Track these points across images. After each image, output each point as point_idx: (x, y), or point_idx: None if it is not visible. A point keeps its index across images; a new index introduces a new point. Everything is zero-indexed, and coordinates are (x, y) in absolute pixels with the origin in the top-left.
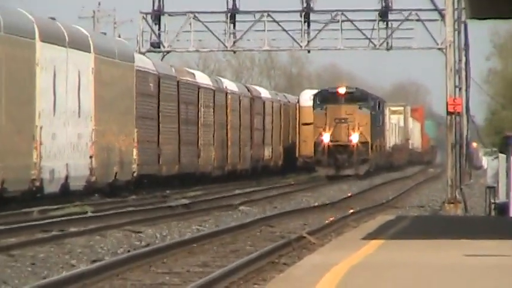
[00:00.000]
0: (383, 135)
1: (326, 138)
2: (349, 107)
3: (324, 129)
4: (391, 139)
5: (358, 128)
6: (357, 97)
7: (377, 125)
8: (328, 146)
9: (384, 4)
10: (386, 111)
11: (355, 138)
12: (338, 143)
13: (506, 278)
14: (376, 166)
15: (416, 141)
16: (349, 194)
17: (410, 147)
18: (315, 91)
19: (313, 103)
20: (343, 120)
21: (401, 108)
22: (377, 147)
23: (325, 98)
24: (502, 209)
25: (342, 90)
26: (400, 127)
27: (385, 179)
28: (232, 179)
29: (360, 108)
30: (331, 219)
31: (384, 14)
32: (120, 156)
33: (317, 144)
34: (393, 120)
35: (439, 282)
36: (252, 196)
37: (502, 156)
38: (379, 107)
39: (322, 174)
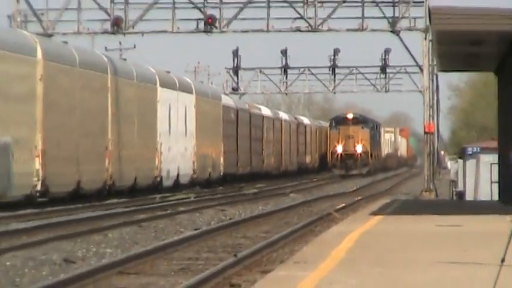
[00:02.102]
0: (379, 147)
1: (339, 149)
2: (355, 128)
3: (338, 143)
4: (385, 150)
5: (361, 142)
6: (360, 120)
7: (375, 140)
8: (341, 154)
9: (383, 62)
10: (382, 131)
11: (359, 149)
12: (347, 152)
13: (460, 238)
14: (375, 168)
15: (403, 151)
16: (359, 186)
17: (398, 155)
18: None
19: (330, 125)
20: (350, 137)
21: (393, 129)
22: (375, 155)
23: (338, 121)
24: (460, 195)
25: (350, 115)
26: (392, 142)
27: (383, 177)
28: (285, 176)
29: (362, 128)
30: (344, 204)
31: (383, 68)
32: (212, 161)
33: (333, 153)
34: (387, 137)
35: (419, 241)
36: (298, 187)
37: (460, 160)
38: (376, 127)
39: (336, 173)
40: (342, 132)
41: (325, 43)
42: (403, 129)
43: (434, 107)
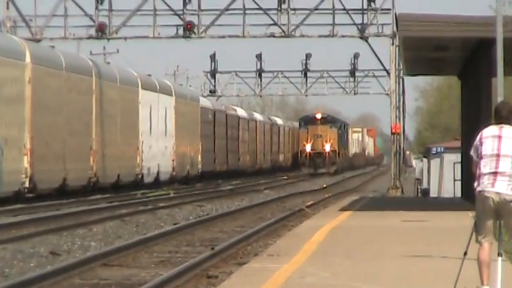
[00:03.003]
0: (347, 146)
1: (308, 148)
2: (323, 127)
3: (307, 142)
4: (353, 149)
5: (329, 141)
6: (328, 120)
7: (342, 139)
8: (309, 153)
9: (352, 66)
10: (350, 131)
11: (327, 148)
12: (316, 151)
13: (425, 233)
14: (342, 167)
15: (370, 150)
16: (330, 184)
17: (366, 154)
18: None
19: (299, 124)
20: (319, 136)
21: (360, 129)
22: (342, 154)
23: (307, 121)
24: (424, 192)
25: (318, 115)
26: (359, 141)
27: (351, 175)
28: (259, 174)
29: (330, 127)
30: (317, 200)
31: (352, 72)
32: (191, 159)
33: (302, 152)
34: (355, 137)
35: (386, 236)
36: (272, 184)
37: (425, 159)
38: (344, 127)
39: (305, 172)
40: (311, 131)
41: (297, 48)
42: (370, 129)
43: (401, 108)
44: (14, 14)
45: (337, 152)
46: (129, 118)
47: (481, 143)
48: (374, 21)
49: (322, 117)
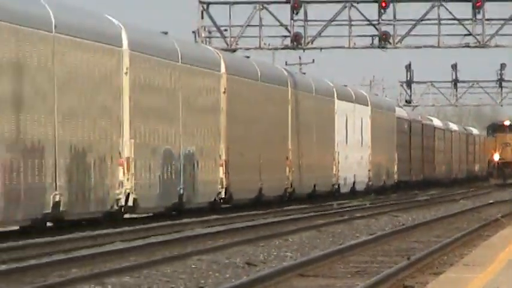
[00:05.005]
0: None
1: (496, 157)
2: None
3: (494, 151)
4: None
5: None
6: None
7: None
8: (498, 162)
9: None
10: None
11: None
12: (504, 160)
13: None
14: None
15: None
16: None
17: None
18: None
19: (487, 132)
20: (508, 144)
21: None
22: None
23: (495, 128)
24: None
25: (507, 122)
26: None
27: None
28: (455, 184)
29: None
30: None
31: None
32: (386, 169)
33: (490, 161)
34: None
35: None
36: (468, 194)
37: None
38: None
39: (493, 183)
40: (499, 139)
41: (492, 58)
42: None
43: None
44: (208, 23)
45: None
46: (325, 128)
47: None
48: None
49: (510, 125)
